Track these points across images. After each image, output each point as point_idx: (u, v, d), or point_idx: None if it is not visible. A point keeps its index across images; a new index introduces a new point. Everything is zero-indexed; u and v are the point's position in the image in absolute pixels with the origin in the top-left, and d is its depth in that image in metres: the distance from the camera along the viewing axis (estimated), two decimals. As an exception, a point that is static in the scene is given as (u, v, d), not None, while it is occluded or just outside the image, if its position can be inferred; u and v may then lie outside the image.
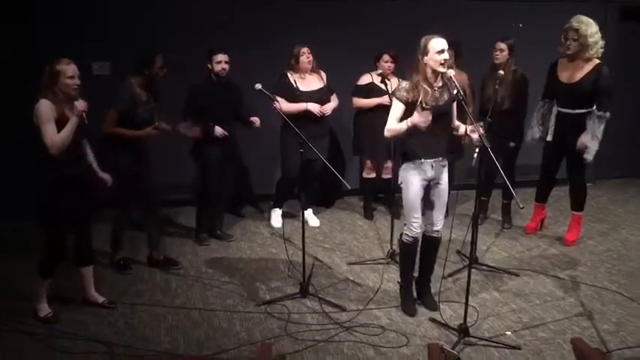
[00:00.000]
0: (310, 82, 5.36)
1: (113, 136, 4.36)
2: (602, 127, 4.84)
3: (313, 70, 5.38)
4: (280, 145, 5.46)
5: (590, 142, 4.86)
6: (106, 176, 4.10)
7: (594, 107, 4.85)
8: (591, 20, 4.81)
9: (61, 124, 3.64)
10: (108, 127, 4.34)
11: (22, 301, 3.99)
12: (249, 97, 4.98)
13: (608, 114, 4.82)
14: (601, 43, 4.82)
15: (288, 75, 5.32)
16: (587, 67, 4.84)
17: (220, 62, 4.87)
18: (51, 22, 5.41)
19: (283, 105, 4.99)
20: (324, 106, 5.30)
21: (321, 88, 5.38)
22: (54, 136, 3.62)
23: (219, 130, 4.89)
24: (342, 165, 6.39)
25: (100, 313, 4.01)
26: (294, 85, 5.30)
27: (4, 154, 5.27)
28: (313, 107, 5.23)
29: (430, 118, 3.65)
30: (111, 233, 4.66)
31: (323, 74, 5.45)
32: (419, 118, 3.65)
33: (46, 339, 3.70)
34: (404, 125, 3.71)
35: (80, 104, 3.66)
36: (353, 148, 5.95)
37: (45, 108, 3.61)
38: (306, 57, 5.27)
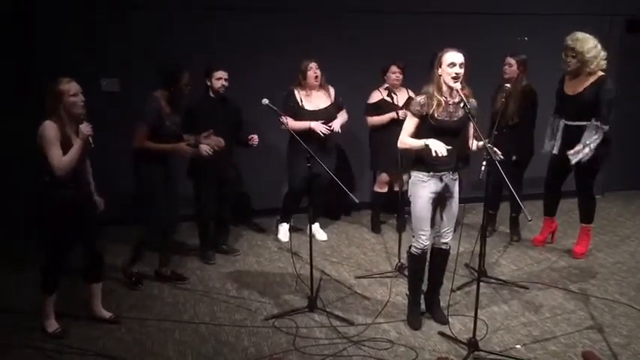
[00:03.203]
0: (317, 99, 5.27)
1: (145, 151, 4.34)
2: (595, 137, 4.78)
3: (321, 87, 5.28)
4: (287, 160, 5.43)
5: (581, 149, 4.81)
6: (99, 200, 4.01)
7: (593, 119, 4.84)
8: (587, 35, 4.81)
9: (64, 146, 3.63)
10: (139, 142, 4.32)
11: (31, 316, 4.00)
12: (252, 114, 5.00)
13: (606, 127, 4.79)
14: (602, 55, 4.82)
15: (295, 92, 5.24)
16: (590, 79, 4.87)
17: (220, 79, 4.83)
18: (56, 40, 5.43)
19: (289, 123, 4.92)
20: (331, 123, 5.20)
21: (328, 107, 5.28)
22: (61, 159, 3.61)
23: (204, 148, 4.57)
24: (350, 179, 6.40)
25: (109, 329, 4.01)
26: (300, 103, 5.22)
27: (10, 169, 5.25)
28: (316, 126, 5.12)
29: (445, 150, 3.66)
30: (135, 245, 4.61)
31: (332, 90, 5.35)
32: (436, 144, 3.64)
33: (55, 354, 3.70)
34: (419, 143, 3.71)
35: (86, 128, 3.63)
36: (370, 163, 5.92)
37: (50, 130, 3.59)
38: (313, 72, 5.17)
